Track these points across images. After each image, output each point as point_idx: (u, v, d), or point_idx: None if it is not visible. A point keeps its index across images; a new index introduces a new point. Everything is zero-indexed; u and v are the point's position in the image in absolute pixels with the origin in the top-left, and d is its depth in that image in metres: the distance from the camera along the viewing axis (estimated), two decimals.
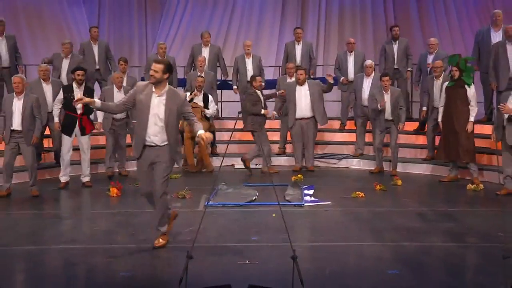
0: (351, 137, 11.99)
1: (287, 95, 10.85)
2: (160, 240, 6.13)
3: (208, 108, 10.91)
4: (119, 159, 10.66)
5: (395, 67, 11.97)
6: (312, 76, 12.28)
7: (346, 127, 12.34)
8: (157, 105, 5.86)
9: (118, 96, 10.09)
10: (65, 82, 10.55)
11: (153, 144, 5.91)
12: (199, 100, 10.80)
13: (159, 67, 5.80)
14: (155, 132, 5.87)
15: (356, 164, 11.57)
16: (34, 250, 6.20)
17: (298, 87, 10.73)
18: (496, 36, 10.61)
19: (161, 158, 5.92)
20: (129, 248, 6.20)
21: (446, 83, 9.63)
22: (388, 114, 10.35)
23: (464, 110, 9.35)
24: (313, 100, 10.67)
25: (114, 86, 10.28)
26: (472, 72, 9.56)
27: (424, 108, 10.90)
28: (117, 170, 10.65)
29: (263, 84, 11.32)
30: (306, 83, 10.73)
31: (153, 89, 5.87)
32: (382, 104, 10.20)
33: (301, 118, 10.76)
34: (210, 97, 11.07)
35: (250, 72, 12.01)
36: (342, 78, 12.03)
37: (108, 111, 6.41)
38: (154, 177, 5.96)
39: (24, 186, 9.23)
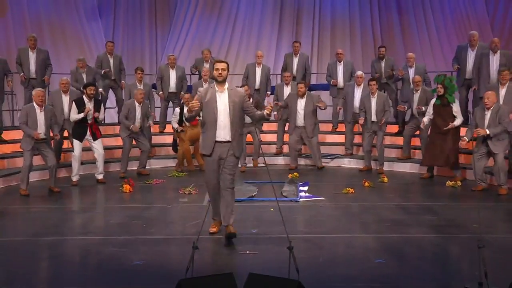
0: (342, 138, 11.97)
1: (289, 105, 10.89)
2: (232, 228, 6.01)
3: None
4: (141, 159, 10.57)
5: (383, 81, 11.93)
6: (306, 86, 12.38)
7: (337, 130, 12.34)
8: (222, 102, 5.88)
9: (138, 110, 10.20)
10: None
11: (223, 140, 5.89)
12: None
13: (224, 65, 5.92)
14: (224, 127, 5.87)
15: (346, 163, 11.56)
16: (56, 240, 6.20)
17: (299, 99, 10.75)
18: (472, 54, 10.63)
19: (230, 154, 5.88)
20: (141, 239, 6.20)
21: (434, 100, 9.64)
22: (373, 117, 10.40)
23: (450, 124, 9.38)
24: (306, 113, 10.70)
25: (135, 101, 10.25)
26: (454, 91, 9.57)
27: (406, 108, 10.87)
28: (137, 170, 10.57)
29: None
30: (305, 96, 10.74)
31: (216, 89, 5.91)
32: (360, 122, 10.56)
33: (300, 127, 10.82)
34: None
35: (258, 79, 12.04)
36: (333, 80, 12.05)
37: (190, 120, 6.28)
38: (224, 171, 5.92)
39: (44, 183, 9.24)
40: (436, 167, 10.04)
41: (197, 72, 12.29)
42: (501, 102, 8.83)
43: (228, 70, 5.97)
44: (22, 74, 10.80)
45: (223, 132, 5.89)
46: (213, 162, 5.97)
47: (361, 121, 10.56)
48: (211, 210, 6.26)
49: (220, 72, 5.87)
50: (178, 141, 10.86)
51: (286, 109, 11.14)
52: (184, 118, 10.57)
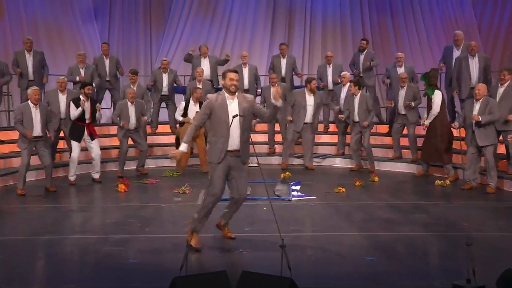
0: (333, 138, 11.99)
1: (297, 102, 10.80)
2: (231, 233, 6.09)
3: None
4: (140, 159, 10.58)
5: (361, 75, 11.97)
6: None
7: (329, 130, 12.36)
8: (234, 110, 5.58)
9: (131, 110, 10.19)
10: None
11: (234, 149, 5.62)
12: (196, 108, 10.45)
13: (237, 75, 5.69)
14: (235, 135, 5.59)
15: (338, 162, 11.57)
16: (53, 239, 6.19)
17: (308, 96, 10.67)
18: (457, 53, 10.69)
19: (240, 164, 5.71)
20: (136, 238, 6.20)
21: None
22: (356, 117, 10.48)
23: (437, 117, 9.42)
24: (314, 109, 10.72)
25: (127, 100, 10.24)
26: (430, 83, 9.62)
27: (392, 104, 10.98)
28: (136, 169, 10.56)
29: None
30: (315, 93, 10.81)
31: (226, 95, 5.65)
32: (340, 117, 10.92)
33: (308, 123, 10.77)
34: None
35: (246, 80, 12.00)
36: (322, 83, 12.04)
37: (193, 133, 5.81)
38: (239, 184, 5.72)
39: (41, 183, 9.20)
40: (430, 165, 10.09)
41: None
42: (497, 100, 8.85)
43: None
44: (18, 69, 10.79)
45: (234, 141, 5.61)
46: (222, 170, 5.63)
47: (339, 114, 10.85)
48: (199, 221, 5.74)
49: (235, 82, 5.63)
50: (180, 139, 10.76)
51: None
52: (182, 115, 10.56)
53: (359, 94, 10.49)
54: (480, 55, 10.28)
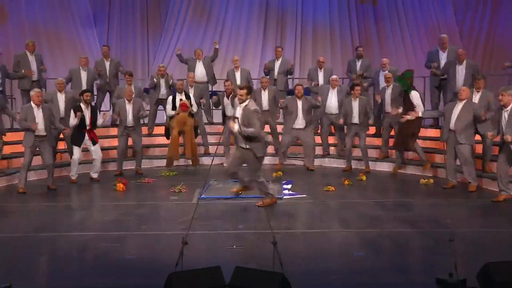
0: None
1: (289, 107, 10.70)
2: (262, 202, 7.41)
3: (191, 105, 10.84)
4: (136, 159, 10.59)
5: (359, 73, 11.98)
6: (292, 70, 12.59)
7: (319, 131, 12.35)
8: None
9: (129, 108, 10.22)
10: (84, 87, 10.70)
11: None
12: (182, 96, 10.73)
13: (243, 91, 7.15)
14: None
15: (327, 162, 11.56)
16: (52, 236, 6.18)
17: (298, 101, 10.63)
18: (443, 55, 10.75)
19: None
20: (133, 235, 6.19)
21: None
22: (355, 119, 10.48)
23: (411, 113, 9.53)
24: (305, 113, 10.59)
25: (125, 98, 10.27)
26: (405, 80, 9.79)
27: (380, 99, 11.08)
28: (134, 169, 10.54)
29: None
30: (302, 98, 10.67)
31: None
32: (341, 121, 10.64)
33: (298, 128, 10.66)
34: (191, 96, 11.00)
35: (238, 83, 11.95)
36: (313, 82, 11.92)
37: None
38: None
39: (42, 182, 9.16)
40: (411, 166, 10.13)
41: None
42: None
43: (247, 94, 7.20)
44: (23, 71, 10.69)
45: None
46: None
47: (341, 121, 10.64)
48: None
49: (239, 97, 7.21)
50: (170, 130, 10.76)
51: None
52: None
53: (358, 98, 10.51)
54: (468, 62, 10.31)
